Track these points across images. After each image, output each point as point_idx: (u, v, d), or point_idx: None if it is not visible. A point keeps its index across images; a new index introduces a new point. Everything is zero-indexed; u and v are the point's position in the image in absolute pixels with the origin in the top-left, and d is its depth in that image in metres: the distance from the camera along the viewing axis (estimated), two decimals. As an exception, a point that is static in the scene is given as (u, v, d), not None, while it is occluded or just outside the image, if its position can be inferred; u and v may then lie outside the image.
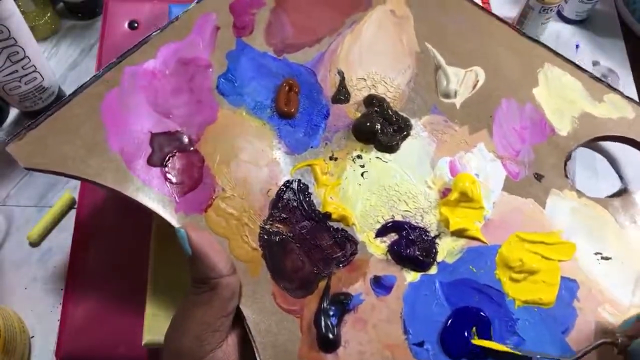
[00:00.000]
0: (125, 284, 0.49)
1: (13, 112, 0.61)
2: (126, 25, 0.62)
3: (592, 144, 0.47)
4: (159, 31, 0.45)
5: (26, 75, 0.53)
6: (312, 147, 0.43)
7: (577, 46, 0.69)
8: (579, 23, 0.72)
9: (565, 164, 0.45)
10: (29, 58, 0.52)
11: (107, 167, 0.40)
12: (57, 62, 0.65)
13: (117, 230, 0.52)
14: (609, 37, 0.70)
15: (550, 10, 0.64)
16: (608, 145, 0.48)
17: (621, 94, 0.47)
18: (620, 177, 0.47)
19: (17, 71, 0.52)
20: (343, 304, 0.38)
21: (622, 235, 0.42)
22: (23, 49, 0.51)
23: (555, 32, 0.70)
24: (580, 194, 0.44)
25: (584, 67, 0.49)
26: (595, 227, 0.43)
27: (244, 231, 0.40)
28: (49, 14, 0.65)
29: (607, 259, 0.41)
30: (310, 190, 0.42)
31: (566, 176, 0.44)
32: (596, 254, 0.41)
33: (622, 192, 0.46)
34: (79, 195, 0.55)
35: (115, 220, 0.52)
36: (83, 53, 0.66)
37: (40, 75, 0.54)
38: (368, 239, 0.41)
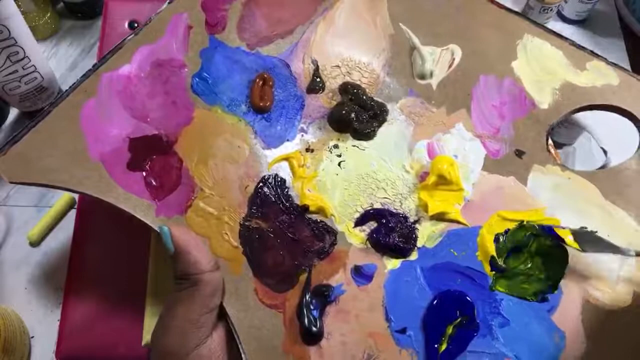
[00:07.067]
0: (125, 284, 0.49)
1: (13, 112, 0.62)
2: (126, 25, 0.62)
3: (575, 114, 0.45)
4: (133, 35, 0.45)
5: (26, 75, 0.54)
6: (288, 140, 0.43)
7: (577, 46, 0.68)
8: (579, 23, 0.71)
9: (547, 138, 0.43)
10: (29, 58, 0.53)
11: (89, 175, 0.40)
12: (57, 62, 0.66)
13: (117, 230, 0.52)
14: (609, 37, 0.70)
15: (550, 10, 0.64)
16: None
17: (605, 60, 0.45)
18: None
19: (17, 71, 0.53)
20: (324, 296, 0.39)
21: (608, 208, 0.41)
22: (23, 49, 0.51)
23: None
24: (563, 168, 0.43)
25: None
26: (580, 201, 0.41)
27: (224, 229, 0.40)
28: (49, 14, 0.66)
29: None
30: (287, 184, 0.42)
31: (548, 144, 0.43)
32: (581, 228, 0.40)
33: (607, 164, 0.45)
34: (79, 195, 0.54)
35: (115, 220, 0.52)
36: (83, 53, 0.67)
37: (40, 75, 0.55)
38: (347, 228, 0.41)
